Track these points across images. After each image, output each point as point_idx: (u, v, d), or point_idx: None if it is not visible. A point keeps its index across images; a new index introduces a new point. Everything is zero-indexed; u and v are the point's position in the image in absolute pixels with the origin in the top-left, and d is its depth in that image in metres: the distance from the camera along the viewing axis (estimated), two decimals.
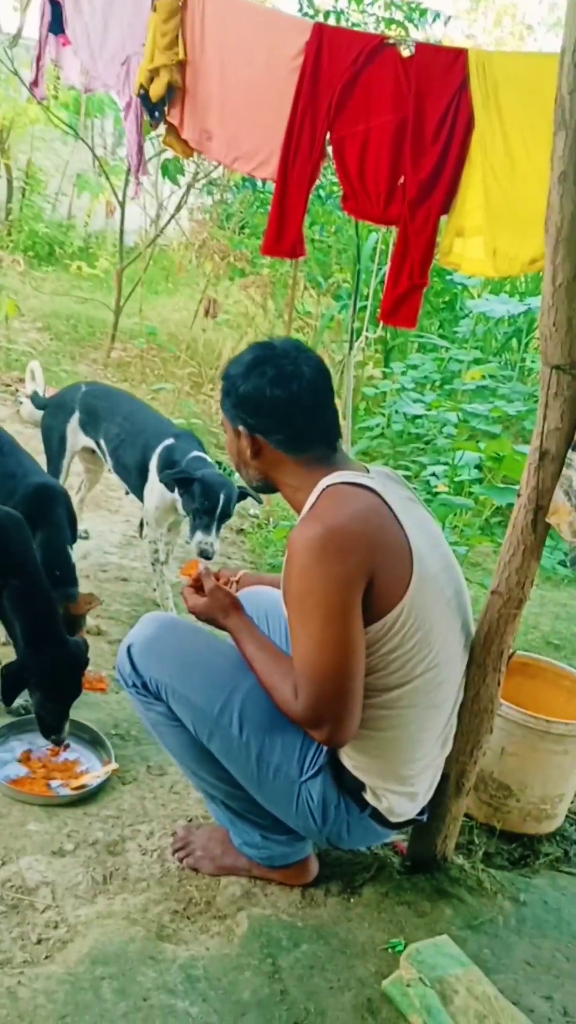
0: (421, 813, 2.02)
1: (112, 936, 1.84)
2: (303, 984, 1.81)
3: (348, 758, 1.87)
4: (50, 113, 8.20)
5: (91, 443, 3.75)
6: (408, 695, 1.81)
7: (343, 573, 1.67)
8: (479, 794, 2.48)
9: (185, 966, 1.80)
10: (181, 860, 2.12)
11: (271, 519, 4.93)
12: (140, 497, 3.57)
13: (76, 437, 3.77)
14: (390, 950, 1.92)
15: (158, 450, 3.41)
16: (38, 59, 4.14)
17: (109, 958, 1.78)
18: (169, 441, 3.42)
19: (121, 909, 1.94)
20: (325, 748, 1.87)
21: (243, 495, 3.23)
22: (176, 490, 3.26)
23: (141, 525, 3.86)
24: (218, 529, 3.20)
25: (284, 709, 1.78)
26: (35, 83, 4.24)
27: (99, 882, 2.04)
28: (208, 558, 3.18)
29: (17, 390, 5.93)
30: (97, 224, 11.92)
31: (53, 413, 3.84)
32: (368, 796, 1.88)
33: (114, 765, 2.44)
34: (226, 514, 3.19)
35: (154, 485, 3.42)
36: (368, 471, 1.89)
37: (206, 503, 3.14)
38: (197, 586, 2.01)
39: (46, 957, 1.80)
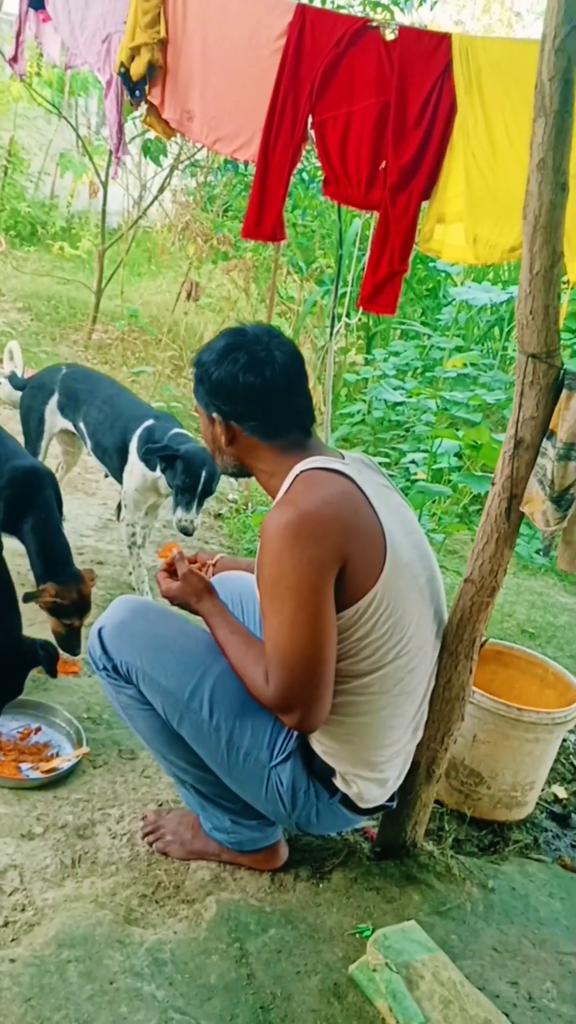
0: (391, 800, 2.02)
1: (79, 919, 1.83)
2: (270, 968, 1.81)
3: (318, 743, 1.87)
4: (33, 91, 8.11)
5: (69, 425, 3.72)
6: (379, 681, 1.81)
7: (315, 558, 1.67)
8: (450, 781, 2.49)
9: (152, 950, 1.80)
10: (151, 844, 2.12)
11: (249, 504, 4.92)
12: (120, 480, 3.55)
13: (55, 419, 3.74)
14: (357, 935, 1.93)
15: (138, 431, 3.39)
16: (18, 35, 4.08)
17: (76, 941, 1.78)
18: (149, 422, 3.41)
19: (89, 892, 1.94)
20: (295, 733, 1.86)
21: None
22: (158, 468, 3.24)
23: (119, 508, 3.83)
24: (199, 506, 3.19)
25: (255, 694, 1.78)
26: (14, 59, 4.19)
27: (68, 865, 2.04)
28: (188, 534, 3.19)
29: None
30: (80, 204, 11.80)
31: (32, 394, 3.81)
32: (338, 782, 1.88)
33: (85, 749, 2.43)
34: (208, 491, 3.18)
35: (134, 466, 3.40)
36: (343, 457, 1.88)
37: (187, 479, 3.13)
38: (171, 570, 2.00)
39: (12, 940, 1.80)
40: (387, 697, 1.84)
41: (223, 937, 1.86)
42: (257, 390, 1.81)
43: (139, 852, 2.11)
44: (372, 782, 1.90)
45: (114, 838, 2.15)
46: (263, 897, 2.01)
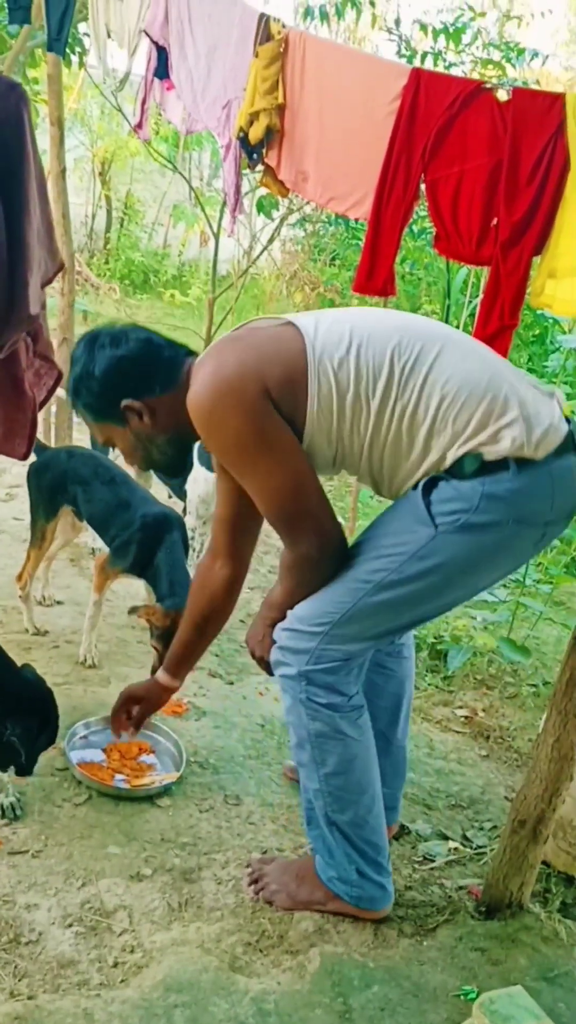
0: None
1: (186, 964, 1.87)
2: None
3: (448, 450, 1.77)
4: (150, 147, 8.43)
5: None
6: (399, 403, 1.77)
7: (242, 404, 1.73)
8: (558, 842, 2.44)
9: (257, 999, 1.82)
10: (256, 893, 2.14)
11: None
12: (181, 496, 3.76)
13: None
14: (462, 997, 1.91)
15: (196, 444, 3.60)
16: (143, 102, 4.29)
17: (183, 986, 1.81)
18: None
19: (195, 937, 1.97)
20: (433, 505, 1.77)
21: None
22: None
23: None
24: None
25: (300, 569, 1.85)
26: (139, 125, 4.40)
27: (175, 909, 2.08)
28: None
29: None
30: (191, 253, 12.20)
31: None
32: (485, 450, 1.75)
33: (176, 774, 2.52)
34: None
35: (197, 476, 3.55)
36: None
37: None
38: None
39: (121, 981, 1.84)
40: (427, 379, 1.76)
41: (327, 991, 1.87)
42: (139, 350, 1.90)
43: (243, 899, 2.14)
44: (509, 427, 1.74)
45: (219, 884, 2.18)
46: (366, 952, 2.01)
